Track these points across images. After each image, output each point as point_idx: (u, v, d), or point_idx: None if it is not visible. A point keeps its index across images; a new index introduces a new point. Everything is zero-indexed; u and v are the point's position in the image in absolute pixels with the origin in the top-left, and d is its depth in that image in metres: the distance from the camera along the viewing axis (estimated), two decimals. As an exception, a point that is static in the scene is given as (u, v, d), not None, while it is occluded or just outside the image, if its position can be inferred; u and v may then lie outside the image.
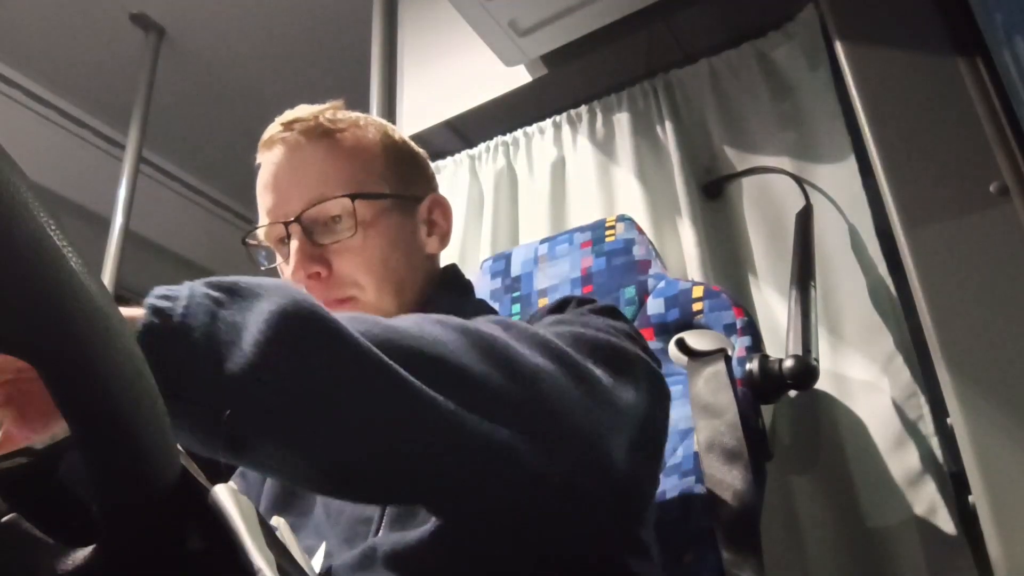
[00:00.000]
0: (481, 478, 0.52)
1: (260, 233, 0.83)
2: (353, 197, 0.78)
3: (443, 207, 0.90)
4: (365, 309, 0.79)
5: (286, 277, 0.81)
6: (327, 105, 0.85)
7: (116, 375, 0.31)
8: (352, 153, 0.82)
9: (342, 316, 0.47)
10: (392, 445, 0.47)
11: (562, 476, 0.55)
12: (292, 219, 0.79)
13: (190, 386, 0.39)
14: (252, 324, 0.42)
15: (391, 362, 0.46)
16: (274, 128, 0.83)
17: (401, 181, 0.85)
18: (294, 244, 0.78)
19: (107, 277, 2.05)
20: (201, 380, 0.40)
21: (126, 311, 0.37)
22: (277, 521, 0.64)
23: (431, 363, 0.49)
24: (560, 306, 0.75)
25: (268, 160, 0.83)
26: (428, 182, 0.91)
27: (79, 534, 0.34)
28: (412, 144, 0.91)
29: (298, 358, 0.42)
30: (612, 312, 0.74)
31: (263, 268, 0.88)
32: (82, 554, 0.33)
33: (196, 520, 0.36)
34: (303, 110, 0.83)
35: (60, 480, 0.37)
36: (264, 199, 0.82)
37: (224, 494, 0.35)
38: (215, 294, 0.43)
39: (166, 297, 0.41)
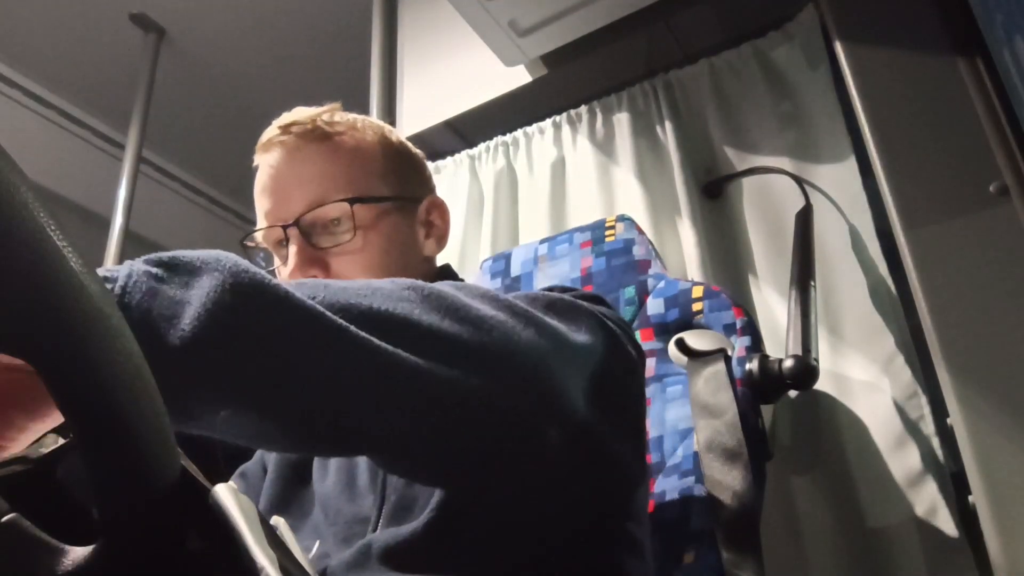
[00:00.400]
0: (433, 419, 0.52)
1: (258, 236, 0.84)
2: (352, 201, 0.78)
3: (441, 209, 0.90)
4: None
5: (283, 279, 0.81)
6: (325, 108, 0.85)
7: (116, 375, 0.31)
8: (350, 155, 0.82)
9: (289, 284, 0.46)
10: (348, 399, 0.47)
11: (515, 408, 0.55)
12: (290, 222, 0.79)
13: None
14: (195, 299, 0.41)
15: (341, 320, 0.46)
16: (272, 131, 0.83)
17: (399, 183, 0.85)
18: (293, 247, 0.79)
19: (107, 277, 2.05)
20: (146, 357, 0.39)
21: None
22: (276, 520, 0.64)
23: (380, 318, 0.49)
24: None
25: (266, 163, 0.83)
26: (426, 183, 0.91)
27: (79, 534, 0.34)
28: (410, 146, 0.91)
29: (243, 327, 0.42)
30: (594, 298, 0.74)
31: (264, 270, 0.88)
32: (82, 554, 0.33)
33: (196, 520, 0.36)
34: (300, 113, 0.83)
35: (60, 480, 0.37)
36: (262, 202, 0.82)
37: (225, 493, 0.36)
38: (154, 270, 0.42)
39: (105, 279, 0.40)
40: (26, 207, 0.28)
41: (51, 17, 2.17)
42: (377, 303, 0.50)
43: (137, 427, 0.32)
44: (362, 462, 0.79)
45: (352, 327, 0.46)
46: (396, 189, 0.84)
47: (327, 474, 0.80)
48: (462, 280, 0.91)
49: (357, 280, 0.54)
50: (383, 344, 0.47)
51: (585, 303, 0.69)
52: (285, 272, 0.80)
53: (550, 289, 0.76)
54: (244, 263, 0.45)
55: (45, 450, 0.38)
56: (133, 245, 2.20)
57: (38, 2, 2.12)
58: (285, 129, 0.82)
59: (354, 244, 0.79)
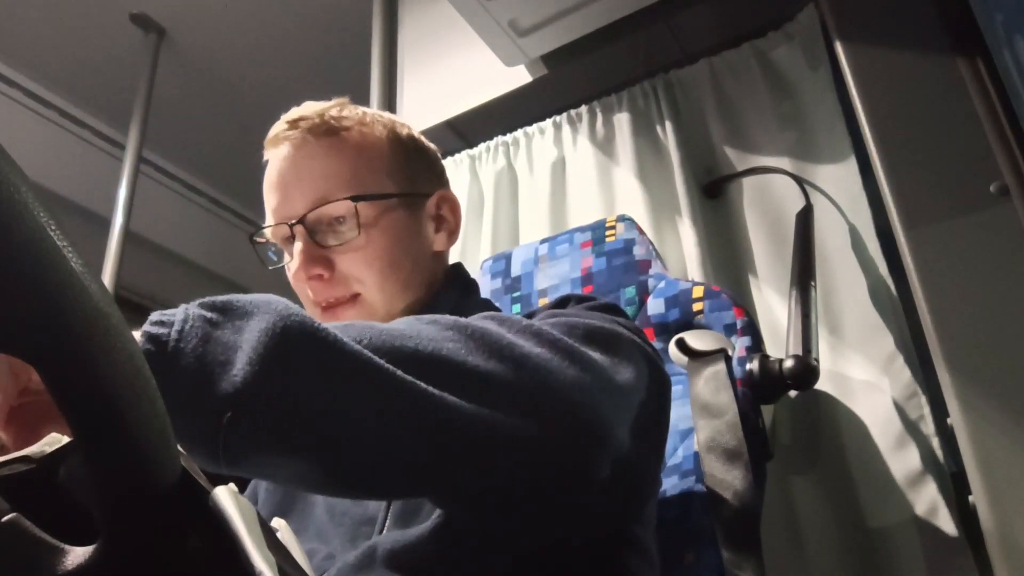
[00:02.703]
0: (483, 464, 0.52)
1: (267, 232, 0.83)
2: (356, 199, 0.78)
3: (451, 203, 0.88)
4: (369, 307, 0.79)
5: (291, 275, 0.80)
6: (333, 102, 0.84)
7: (116, 375, 0.31)
8: (356, 151, 0.81)
9: (335, 326, 0.47)
10: (394, 444, 0.47)
11: (563, 447, 0.55)
12: (296, 220, 0.79)
13: (187, 406, 0.40)
14: (245, 343, 0.42)
15: (387, 365, 0.46)
16: (280, 126, 0.82)
17: (407, 178, 0.84)
18: (298, 245, 0.78)
19: (107, 277, 2.05)
20: (197, 400, 0.41)
21: None
22: (278, 523, 0.64)
23: (427, 361, 0.49)
24: (560, 303, 0.75)
25: (274, 158, 0.82)
26: (437, 178, 0.90)
27: (80, 534, 0.34)
28: (421, 140, 0.90)
29: (292, 372, 0.43)
30: (612, 308, 0.74)
31: (270, 267, 0.88)
32: (82, 554, 0.33)
33: (197, 521, 0.36)
34: (309, 108, 0.83)
35: (61, 480, 0.37)
36: (269, 198, 0.82)
37: (225, 496, 0.35)
38: (209, 315, 0.43)
39: (161, 323, 0.42)
40: (26, 207, 0.28)
41: (51, 17, 2.17)
42: (423, 345, 0.50)
43: (137, 427, 0.32)
44: None
45: (399, 371, 0.47)
46: (403, 184, 0.83)
47: None
48: (472, 280, 0.91)
49: (401, 321, 0.54)
50: (430, 388, 0.47)
51: (625, 331, 0.68)
52: (292, 269, 0.79)
53: (566, 298, 0.75)
54: (295, 308, 0.45)
55: (49, 449, 0.38)
56: (133, 245, 2.20)
57: (38, 2, 2.12)
58: (293, 124, 0.81)
59: (359, 242, 0.78)
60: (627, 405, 0.63)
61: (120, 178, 2.19)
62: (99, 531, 0.33)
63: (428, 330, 0.52)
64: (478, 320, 0.57)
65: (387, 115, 0.88)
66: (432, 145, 0.92)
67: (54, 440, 0.39)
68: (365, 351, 0.46)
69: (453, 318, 0.55)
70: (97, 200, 2.37)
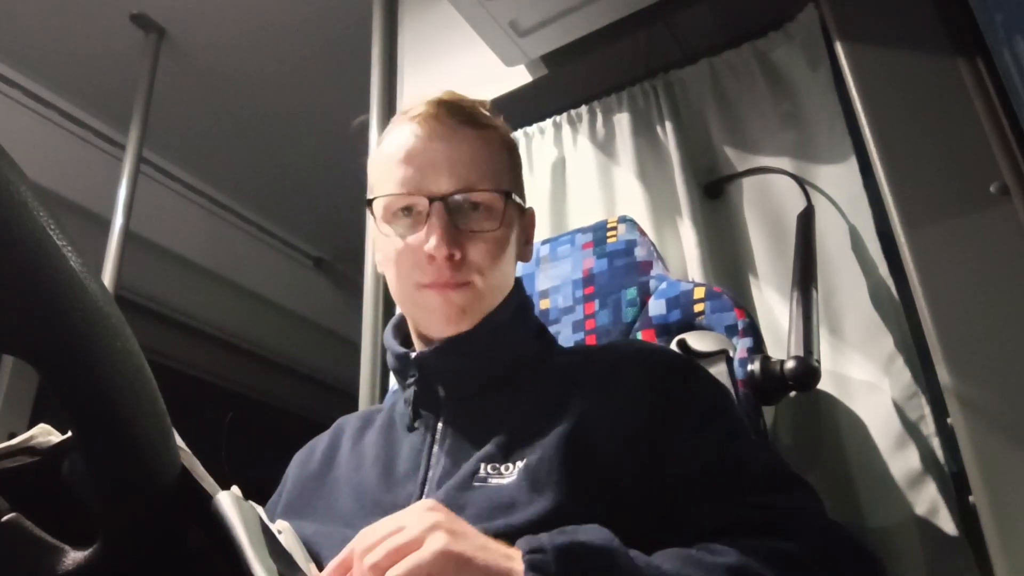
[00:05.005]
0: None
1: (389, 200, 0.81)
2: (507, 193, 0.81)
3: (533, 222, 0.92)
4: (478, 296, 0.80)
5: (408, 246, 0.79)
6: (477, 99, 0.87)
7: (116, 374, 0.31)
8: (503, 149, 0.84)
9: None
10: None
11: None
12: (438, 197, 0.78)
13: None
14: None
15: None
16: (427, 106, 0.82)
17: (522, 188, 0.88)
18: (438, 221, 0.77)
19: (107, 277, 2.05)
20: None
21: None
22: (282, 525, 0.64)
23: None
24: (688, 397, 0.76)
25: (414, 133, 0.81)
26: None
27: (80, 533, 0.34)
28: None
29: None
30: (726, 395, 0.80)
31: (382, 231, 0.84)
32: (82, 553, 0.33)
33: (198, 521, 0.35)
34: (457, 95, 0.84)
35: (63, 480, 0.37)
36: (405, 169, 0.80)
37: (227, 502, 0.35)
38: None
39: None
40: (26, 207, 0.28)
41: (51, 17, 2.17)
42: None
43: (137, 426, 0.32)
44: (402, 451, 0.80)
45: None
46: (520, 193, 0.87)
47: (363, 465, 0.81)
48: (528, 298, 0.92)
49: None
50: None
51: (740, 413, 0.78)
52: (419, 241, 0.78)
53: (690, 389, 0.77)
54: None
55: (55, 439, 0.38)
56: (133, 245, 2.20)
57: (38, 2, 2.12)
58: (443, 105, 0.82)
59: (495, 234, 0.80)
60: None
61: (120, 178, 2.19)
62: (99, 530, 0.33)
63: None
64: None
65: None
66: None
67: (45, 430, 0.39)
68: None
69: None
70: (97, 200, 2.37)
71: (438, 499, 0.70)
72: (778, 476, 0.70)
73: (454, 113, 0.81)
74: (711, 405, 0.75)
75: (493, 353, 0.82)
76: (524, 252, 0.90)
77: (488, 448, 0.73)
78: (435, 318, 0.80)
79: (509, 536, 0.58)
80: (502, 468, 0.71)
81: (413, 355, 0.82)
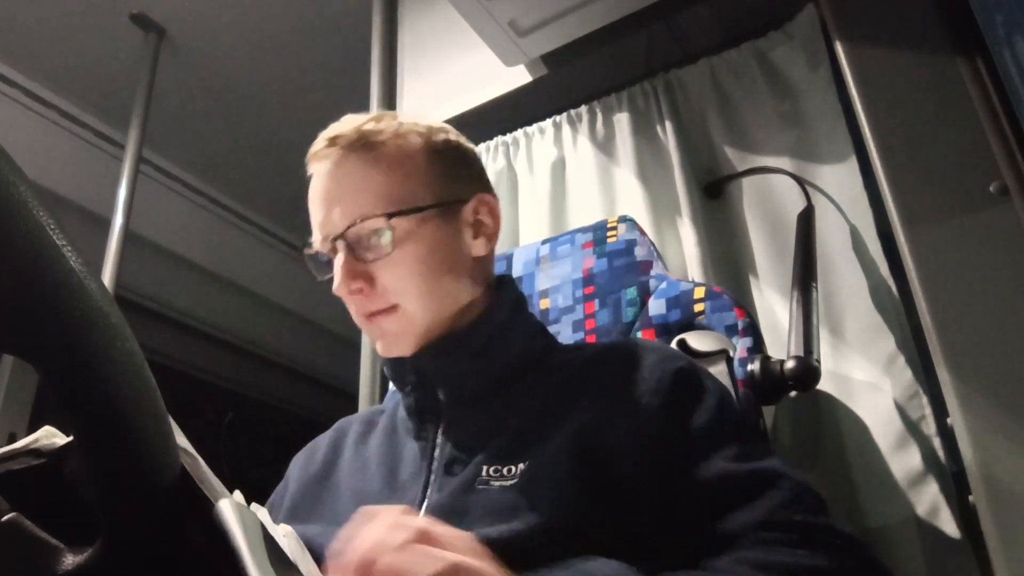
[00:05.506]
0: None
1: (315, 245, 0.84)
2: (390, 215, 0.79)
3: (489, 206, 0.88)
4: (408, 317, 0.80)
5: (334, 289, 0.82)
6: (370, 115, 0.85)
7: (116, 374, 0.31)
8: (392, 165, 0.82)
9: None
10: None
11: None
12: (336, 236, 0.80)
13: None
14: None
15: None
16: (319, 143, 0.83)
17: (444, 186, 0.84)
18: (339, 260, 0.80)
19: (107, 277, 2.05)
20: None
21: None
22: (284, 529, 0.64)
23: None
24: (685, 398, 0.75)
25: (316, 173, 0.84)
26: (475, 180, 0.90)
27: (81, 534, 0.34)
28: (460, 143, 0.90)
29: None
30: (728, 402, 0.77)
31: (320, 279, 0.87)
32: (82, 554, 0.33)
33: (199, 523, 0.35)
34: (346, 123, 0.84)
35: (65, 480, 0.37)
36: (314, 213, 0.83)
37: (228, 510, 0.35)
38: None
39: None
40: (26, 207, 0.28)
41: (51, 17, 2.17)
42: None
43: (137, 426, 0.32)
44: (405, 455, 0.80)
45: None
46: (440, 193, 0.83)
47: (366, 469, 0.82)
48: (521, 294, 0.91)
49: None
50: None
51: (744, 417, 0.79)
52: (335, 283, 0.81)
53: (687, 387, 0.76)
54: None
55: (60, 441, 0.38)
56: (133, 245, 2.20)
57: (38, 2, 2.12)
58: (331, 141, 0.82)
59: (395, 256, 0.79)
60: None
61: (120, 178, 2.19)
62: (99, 530, 0.33)
63: None
64: None
65: (424, 122, 0.88)
66: (471, 146, 0.92)
67: (50, 432, 0.39)
68: None
69: None
70: (97, 200, 2.37)
71: (441, 503, 0.71)
72: (798, 490, 0.69)
73: (340, 143, 0.81)
74: (721, 416, 0.74)
75: (491, 353, 0.82)
76: (477, 245, 0.85)
77: (490, 450, 0.73)
78: (380, 345, 0.83)
79: (511, 542, 0.58)
80: (504, 471, 0.71)
81: (407, 358, 0.82)
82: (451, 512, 0.68)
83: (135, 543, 0.34)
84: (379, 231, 0.79)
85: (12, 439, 2.20)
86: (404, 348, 0.81)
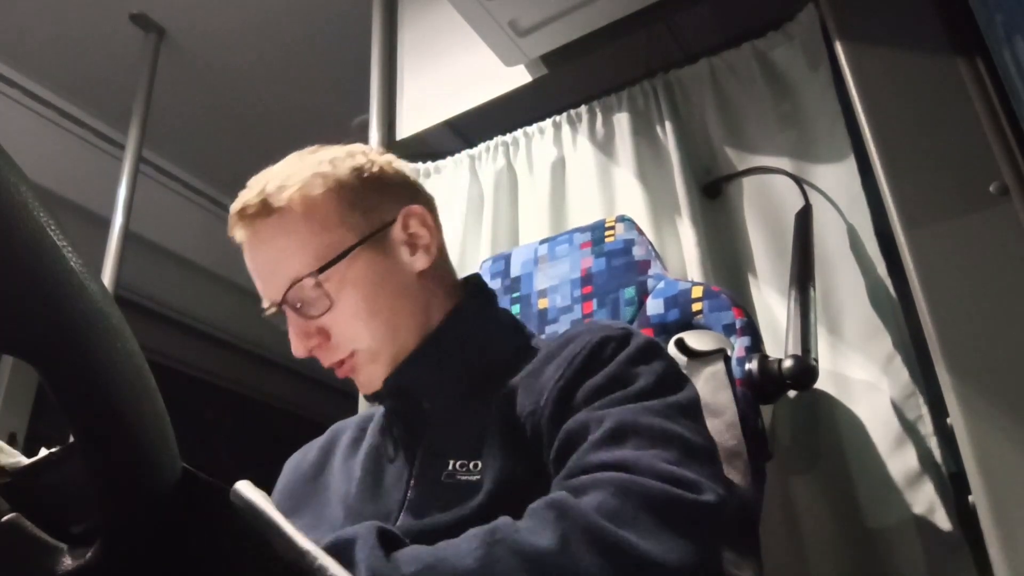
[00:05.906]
0: None
1: (267, 308, 0.84)
2: (316, 273, 0.78)
3: (419, 216, 0.85)
4: (370, 357, 0.81)
5: (293, 352, 0.82)
6: (274, 170, 0.84)
7: (116, 374, 0.31)
8: (304, 220, 0.80)
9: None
10: None
11: None
12: (278, 304, 0.80)
13: None
14: None
15: None
16: (231, 217, 0.82)
17: (363, 218, 0.82)
18: (289, 323, 0.81)
19: (107, 277, 2.05)
20: None
21: None
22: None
23: None
24: (597, 349, 0.75)
25: (241, 243, 0.83)
26: (397, 196, 0.85)
27: (81, 534, 0.34)
28: (374, 165, 0.85)
29: None
30: (655, 350, 0.76)
31: (283, 330, 0.87)
32: (82, 554, 0.33)
33: (209, 517, 0.36)
34: (252, 188, 0.82)
35: (65, 480, 0.37)
36: (255, 281, 0.84)
37: (248, 489, 0.36)
38: None
39: None
40: (26, 207, 0.28)
41: (51, 17, 2.17)
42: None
43: (138, 426, 0.32)
44: (390, 464, 0.82)
45: None
46: (361, 228, 0.81)
47: (351, 477, 0.83)
48: (491, 291, 0.91)
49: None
50: None
51: (679, 376, 0.75)
52: (292, 345, 0.81)
53: (603, 343, 0.75)
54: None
55: (27, 461, 0.38)
56: (133, 245, 2.20)
57: (38, 2, 2.12)
58: (240, 214, 0.81)
59: (339, 307, 0.79)
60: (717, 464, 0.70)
61: (120, 178, 2.19)
62: (99, 531, 0.33)
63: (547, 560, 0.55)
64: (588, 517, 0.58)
65: (330, 154, 0.85)
66: (386, 159, 0.88)
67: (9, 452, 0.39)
68: None
69: (561, 532, 0.57)
70: (97, 200, 2.37)
71: (414, 500, 0.74)
72: (645, 446, 0.65)
73: (248, 214, 0.80)
74: (622, 376, 0.73)
75: (458, 359, 0.82)
76: (416, 260, 0.83)
77: (460, 448, 0.75)
78: (358, 386, 0.84)
79: (461, 525, 0.60)
80: (470, 465, 0.74)
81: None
82: (422, 509, 0.72)
83: (135, 543, 0.34)
84: (317, 285, 0.78)
85: (12, 439, 2.20)
86: (378, 383, 0.82)
